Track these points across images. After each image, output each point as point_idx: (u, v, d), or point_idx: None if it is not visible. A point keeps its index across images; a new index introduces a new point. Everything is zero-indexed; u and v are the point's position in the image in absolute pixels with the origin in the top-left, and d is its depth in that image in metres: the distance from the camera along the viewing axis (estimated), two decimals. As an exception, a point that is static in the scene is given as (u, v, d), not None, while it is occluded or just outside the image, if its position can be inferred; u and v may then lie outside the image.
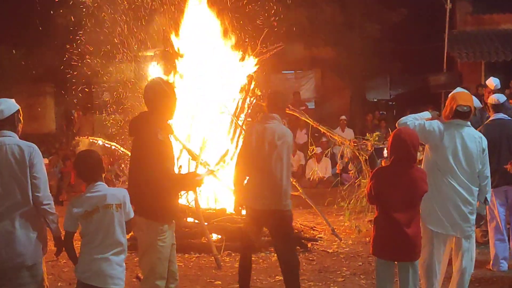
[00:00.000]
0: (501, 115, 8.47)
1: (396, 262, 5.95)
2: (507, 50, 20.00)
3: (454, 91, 6.75)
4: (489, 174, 6.62)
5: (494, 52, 20.06)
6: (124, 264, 5.14)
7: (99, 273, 5.01)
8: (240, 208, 7.66)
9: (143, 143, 5.41)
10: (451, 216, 6.41)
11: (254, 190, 6.93)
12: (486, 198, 6.64)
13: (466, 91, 6.85)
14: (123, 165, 13.42)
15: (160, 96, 5.51)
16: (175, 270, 5.64)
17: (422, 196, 5.92)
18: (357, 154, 11.79)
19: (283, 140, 6.74)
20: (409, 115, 6.79)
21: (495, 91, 12.40)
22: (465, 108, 6.43)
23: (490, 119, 8.65)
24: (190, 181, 5.76)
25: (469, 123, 6.56)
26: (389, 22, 22.73)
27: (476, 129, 7.50)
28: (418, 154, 6.68)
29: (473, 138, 6.48)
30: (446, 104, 6.62)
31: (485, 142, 6.56)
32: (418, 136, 6.26)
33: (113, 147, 12.20)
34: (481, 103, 11.82)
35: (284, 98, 7.62)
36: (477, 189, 6.50)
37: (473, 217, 6.50)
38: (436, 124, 6.52)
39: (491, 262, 8.43)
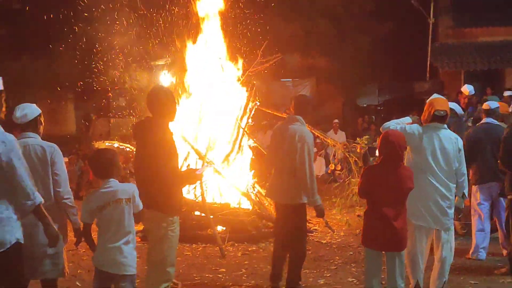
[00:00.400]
0: (490, 120, 8.53)
1: (383, 252, 5.97)
2: (484, 60, 20.05)
3: (431, 97, 6.82)
4: (465, 171, 6.66)
5: (473, 62, 20.09)
6: (135, 252, 5.13)
7: (112, 260, 5.01)
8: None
9: (151, 144, 5.41)
10: (431, 211, 6.45)
11: (276, 185, 7.09)
12: (464, 193, 6.67)
13: (442, 97, 6.95)
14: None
15: (162, 102, 5.52)
16: (171, 260, 5.64)
17: (408, 192, 5.94)
18: (347, 155, 11.82)
19: (304, 141, 6.78)
20: (392, 121, 6.87)
21: (469, 97, 12.46)
22: (442, 112, 6.49)
23: (481, 122, 8.72)
24: (191, 176, 5.77)
25: (445, 126, 6.59)
26: (378, 35, 22.77)
27: (457, 131, 7.58)
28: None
29: (449, 139, 6.51)
30: (424, 109, 6.66)
31: (461, 143, 6.61)
32: None
33: (127, 148, 12.21)
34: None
35: (309, 102, 7.62)
36: (455, 185, 6.54)
37: (451, 211, 6.54)
38: (416, 128, 6.56)
39: (471, 250, 8.45)
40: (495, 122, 8.48)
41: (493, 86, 18.50)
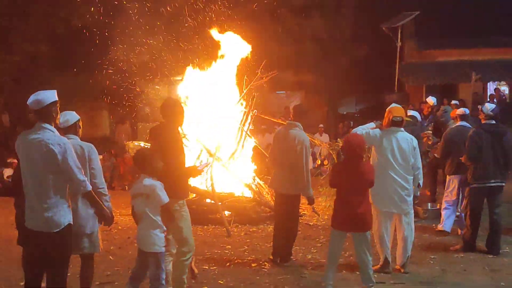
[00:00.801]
0: (464, 123, 8.55)
1: (348, 234, 6.04)
2: (442, 76, 20.13)
3: (390, 106, 6.86)
4: (420, 166, 6.71)
5: (432, 78, 20.13)
6: (162, 235, 5.12)
7: (143, 241, 5.11)
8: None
9: (166, 144, 5.43)
10: (393, 199, 6.53)
11: (277, 178, 7.16)
12: (419, 183, 6.74)
13: (399, 106, 7.00)
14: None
15: (172, 111, 5.59)
16: (190, 239, 5.63)
17: (370, 184, 5.98)
18: (331, 153, 11.80)
19: (302, 144, 6.86)
20: (359, 126, 6.96)
21: (432, 106, 12.47)
22: (398, 118, 6.59)
23: (456, 124, 8.70)
24: (194, 171, 5.79)
25: (402, 129, 6.64)
26: (356, 56, 22.78)
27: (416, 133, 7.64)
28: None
29: (405, 140, 6.58)
30: (385, 116, 6.71)
31: (415, 142, 6.68)
32: (365, 140, 6.47)
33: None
34: (421, 115, 11.86)
35: (305, 111, 7.70)
36: (412, 177, 6.59)
37: (410, 199, 6.62)
38: (377, 131, 6.67)
39: (441, 224, 8.55)
40: (468, 125, 8.44)
41: (449, 97, 18.48)
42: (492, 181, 7.38)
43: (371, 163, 6.77)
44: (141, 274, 5.32)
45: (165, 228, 5.15)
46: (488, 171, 7.38)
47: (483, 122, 7.62)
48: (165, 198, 5.09)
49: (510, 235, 8.12)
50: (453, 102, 13.14)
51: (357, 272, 6.53)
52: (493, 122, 7.55)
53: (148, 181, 5.12)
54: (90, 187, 4.77)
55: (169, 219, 5.21)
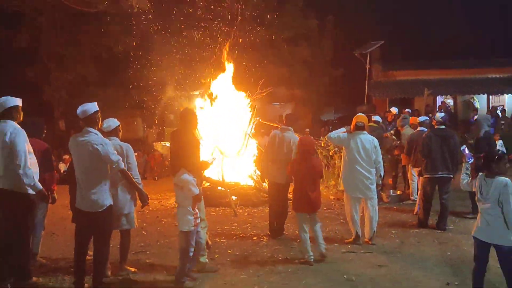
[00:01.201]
0: (422, 128, 8.63)
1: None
2: (401, 91, 20.11)
3: (356, 115, 6.93)
4: (381, 160, 6.73)
5: (394, 93, 20.09)
6: (190, 217, 4.98)
7: (179, 222, 5.05)
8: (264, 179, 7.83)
9: (185, 144, 5.39)
10: (359, 187, 6.59)
11: (273, 171, 7.11)
12: (380, 174, 6.76)
13: (363, 114, 7.03)
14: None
15: (188, 119, 5.54)
16: (204, 218, 5.60)
17: (319, 174, 6.03)
18: (315, 150, 11.73)
19: (294, 145, 6.74)
20: (333, 131, 7.13)
21: (395, 114, 12.44)
22: (361, 123, 6.69)
23: (417, 129, 8.80)
24: (205, 164, 5.70)
25: (365, 132, 6.70)
26: (334, 75, 22.86)
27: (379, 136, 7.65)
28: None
29: (368, 140, 6.63)
30: (352, 122, 6.77)
31: (376, 142, 6.72)
32: (336, 142, 7.04)
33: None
34: (386, 122, 11.84)
35: (297, 118, 7.83)
36: (374, 170, 6.62)
37: (373, 187, 6.64)
38: (346, 135, 6.73)
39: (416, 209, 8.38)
40: (425, 129, 8.39)
41: (407, 108, 18.45)
42: (440, 173, 7.39)
43: (342, 160, 6.88)
44: (187, 247, 5.15)
45: (195, 212, 5.02)
46: (436, 165, 7.39)
47: (435, 127, 7.62)
48: (195, 190, 4.98)
49: (454, 216, 8.10)
50: (406, 110, 13.15)
51: (335, 244, 6.56)
52: (443, 127, 7.58)
53: (185, 176, 5.01)
54: (122, 165, 4.78)
55: (197, 202, 5.11)
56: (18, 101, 4.91)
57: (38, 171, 4.99)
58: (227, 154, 10.01)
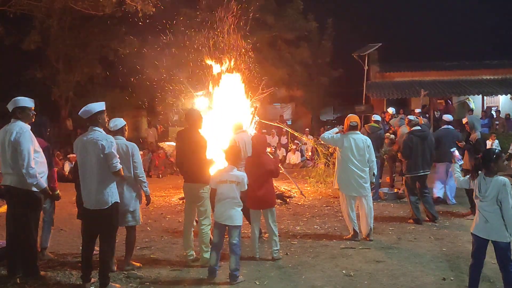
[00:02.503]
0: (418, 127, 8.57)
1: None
2: (398, 92, 20.01)
3: (348, 115, 6.87)
4: (374, 159, 6.71)
5: (391, 93, 20.01)
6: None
7: (230, 217, 5.12)
8: None
9: (191, 143, 5.42)
10: (353, 185, 6.56)
11: None
12: (374, 172, 6.73)
13: (355, 115, 7.01)
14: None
15: (194, 118, 5.58)
16: (209, 216, 5.64)
17: (269, 172, 5.76)
18: (315, 147, 11.73)
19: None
20: (327, 131, 7.02)
21: (392, 115, 12.43)
22: (354, 123, 6.63)
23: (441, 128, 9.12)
24: (211, 161, 5.70)
25: (358, 132, 6.67)
26: (333, 76, 22.81)
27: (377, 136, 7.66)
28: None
29: (361, 140, 6.59)
30: (344, 123, 6.73)
31: (369, 141, 6.68)
32: (329, 143, 6.94)
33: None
34: (384, 121, 11.83)
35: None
36: (367, 169, 6.58)
37: (367, 185, 6.61)
38: (339, 135, 6.73)
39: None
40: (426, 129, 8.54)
41: (403, 108, 18.46)
42: (421, 171, 7.57)
43: (336, 160, 6.87)
44: (222, 243, 5.19)
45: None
46: (418, 164, 7.54)
47: (411, 129, 7.73)
48: (246, 185, 5.22)
49: (450, 213, 8.09)
50: (390, 109, 13.05)
51: (334, 240, 6.54)
52: (418, 128, 7.71)
53: (238, 172, 5.21)
54: (119, 167, 4.69)
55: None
56: (29, 102, 4.92)
57: (46, 170, 5.00)
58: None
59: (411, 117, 8.05)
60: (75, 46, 18.49)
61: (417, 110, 12.73)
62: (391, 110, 12.73)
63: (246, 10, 13.74)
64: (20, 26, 16.82)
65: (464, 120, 8.05)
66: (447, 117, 9.25)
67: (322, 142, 8.10)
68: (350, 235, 6.60)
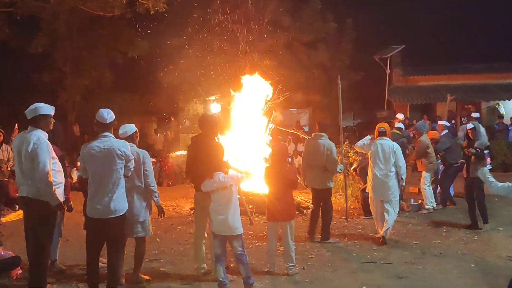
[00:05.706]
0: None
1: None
2: (422, 97, 19.85)
3: (379, 123, 7.71)
4: (401, 164, 7.26)
5: (415, 98, 19.87)
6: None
7: (234, 227, 5.17)
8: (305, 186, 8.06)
9: (205, 150, 5.43)
10: (377, 189, 7.25)
11: (311, 177, 7.43)
12: (402, 177, 7.28)
13: (384, 122, 7.99)
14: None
15: (209, 124, 5.61)
16: None
17: (290, 183, 5.75)
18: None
19: (329, 149, 7.24)
20: (361, 140, 7.70)
21: (401, 120, 12.48)
22: (382, 129, 7.36)
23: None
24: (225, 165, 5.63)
25: (387, 138, 7.32)
26: (353, 80, 22.74)
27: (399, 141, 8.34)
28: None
29: (387, 145, 7.26)
30: (375, 130, 7.45)
31: (396, 146, 7.30)
32: (361, 149, 7.58)
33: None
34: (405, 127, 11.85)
35: (328, 124, 8.01)
36: (392, 173, 7.16)
37: (391, 190, 7.16)
38: (370, 142, 7.42)
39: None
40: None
41: (428, 114, 18.33)
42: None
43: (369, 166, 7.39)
44: (225, 253, 5.22)
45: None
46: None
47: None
48: (243, 173, 5.40)
49: (484, 230, 8.00)
50: (399, 116, 13.03)
51: (354, 254, 6.51)
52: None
53: (231, 172, 5.29)
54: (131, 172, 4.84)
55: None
56: (50, 109, 4.90)
57: (63, 179, 5.08)
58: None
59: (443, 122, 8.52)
60: (83, 49, 18.75)
61: (400, 116, 12.65)
62: (400, 116, 12.71)
63: (261, 13, 13.78)
64: (27, 29, 17.14)
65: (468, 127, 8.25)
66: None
67: (356, 149, 8.38)
68: (380, 240, 7.04)
